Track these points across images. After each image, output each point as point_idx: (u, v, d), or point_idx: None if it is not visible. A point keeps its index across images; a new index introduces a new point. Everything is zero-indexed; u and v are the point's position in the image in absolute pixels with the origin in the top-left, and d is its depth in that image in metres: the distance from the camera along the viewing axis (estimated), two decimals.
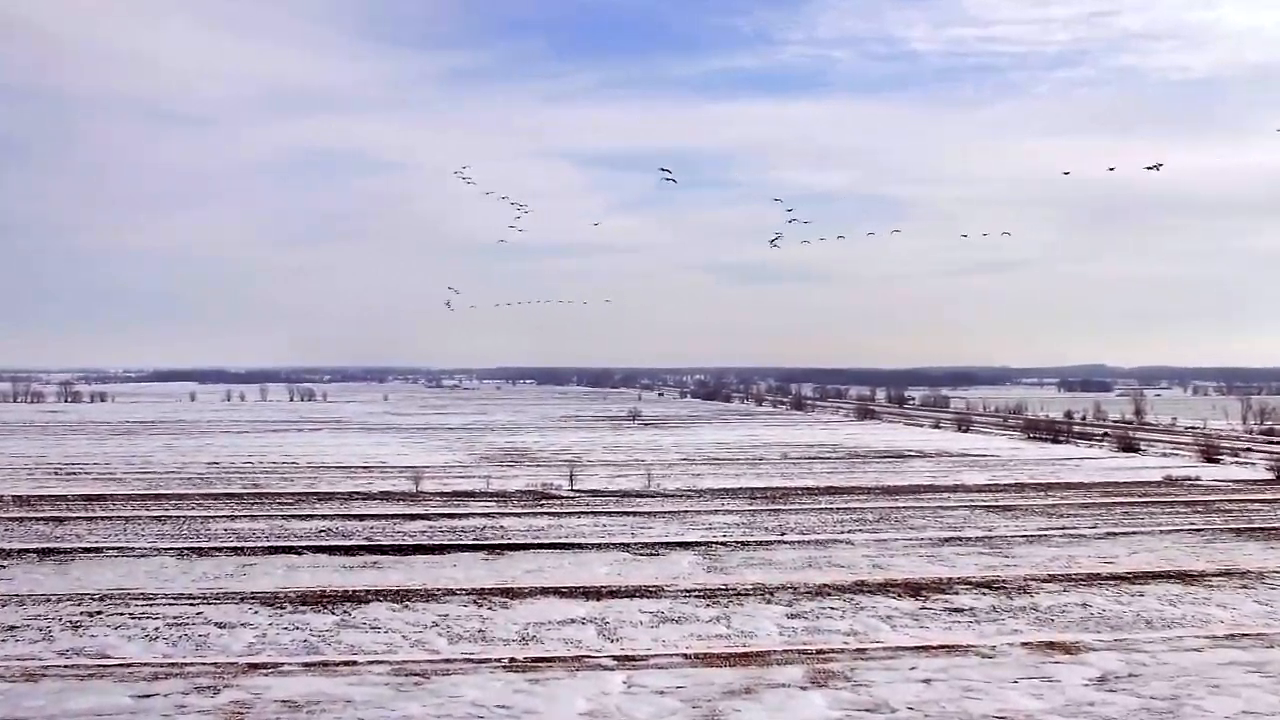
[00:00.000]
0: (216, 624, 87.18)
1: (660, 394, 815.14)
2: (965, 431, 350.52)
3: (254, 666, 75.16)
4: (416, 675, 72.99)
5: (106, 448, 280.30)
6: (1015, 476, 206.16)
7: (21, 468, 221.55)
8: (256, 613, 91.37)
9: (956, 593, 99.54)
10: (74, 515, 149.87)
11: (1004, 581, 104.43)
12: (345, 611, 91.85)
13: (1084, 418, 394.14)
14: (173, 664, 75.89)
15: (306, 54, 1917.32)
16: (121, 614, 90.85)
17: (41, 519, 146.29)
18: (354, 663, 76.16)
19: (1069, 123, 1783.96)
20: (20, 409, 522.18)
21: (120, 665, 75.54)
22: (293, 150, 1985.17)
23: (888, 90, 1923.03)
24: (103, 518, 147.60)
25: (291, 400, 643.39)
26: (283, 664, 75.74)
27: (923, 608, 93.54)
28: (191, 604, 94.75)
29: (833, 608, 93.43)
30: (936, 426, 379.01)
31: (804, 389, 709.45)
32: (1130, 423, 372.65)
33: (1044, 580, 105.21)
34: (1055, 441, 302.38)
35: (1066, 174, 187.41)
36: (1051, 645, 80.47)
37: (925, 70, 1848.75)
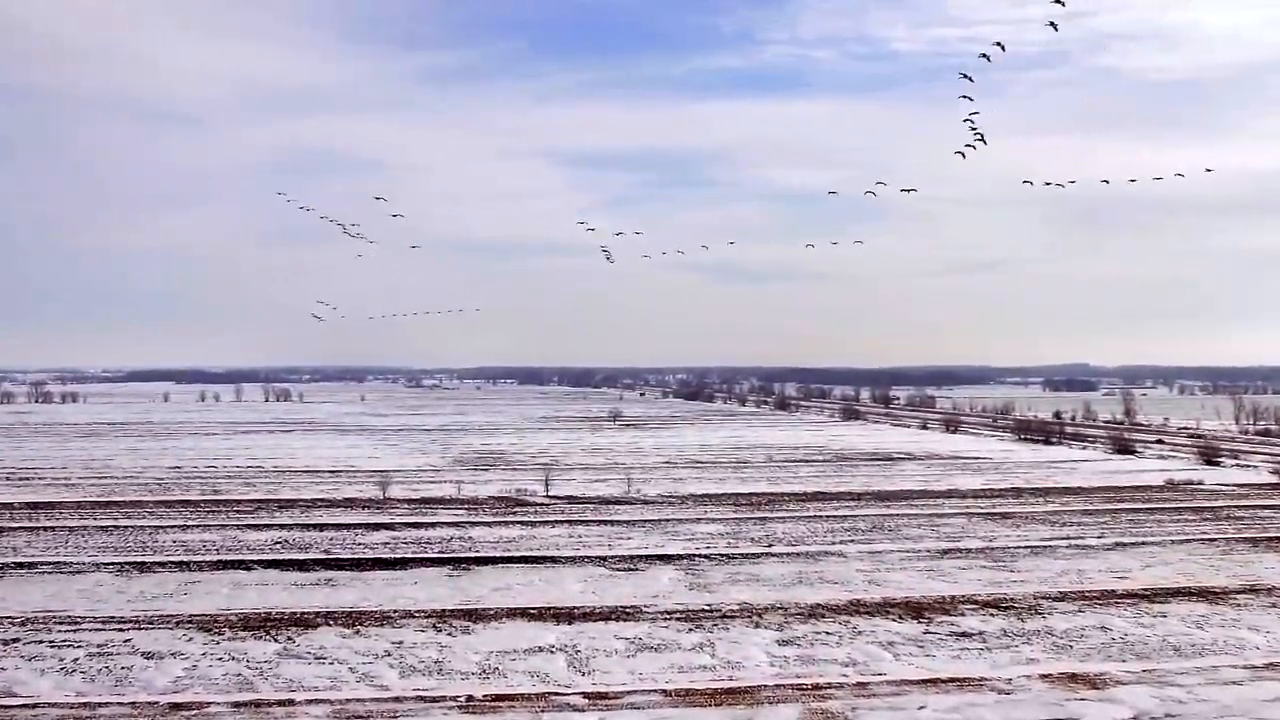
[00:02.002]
0: (144, 654, 78.27)
1: (642, 394, 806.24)
2: (954, 432, 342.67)
3: (176, 707, 66.37)
4: (359, 717, 64.22)
5: (68, 451, 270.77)
6: (1011, 480, 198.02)
7: None
8: (191, 640, 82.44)
9: (962, 613, 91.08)
10: (15, 525, 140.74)
11: (1012, 600, 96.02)
12: (289, 638, 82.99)
13: (1074, 418, 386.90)
14: (84, 704, 67.10)
15: (298, 56, 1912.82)
16: (41, 641, 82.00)
17: None
18: (290, 702, 67.34)
19: (1050, 123, 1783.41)
20: None
21: (24, 706, 66.79)
22: (285, 150, 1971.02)
23: (870, 90, 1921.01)
24: (46, 528, 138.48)
25: (266, 400, 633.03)
26: (209, 704, 66.92)
27: (926, 632, 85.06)
28: (121, 629, 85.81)
29: (828, 632, 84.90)
30: (924, 427, 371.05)
31: (787, 389, 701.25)
32: (1122, 423, 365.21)
33: (1055, 599, 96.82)
34: (1048, 443, 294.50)
35: (1028, 183, 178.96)
36: (1074, 678, 72.07)
37: (906, 70, 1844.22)
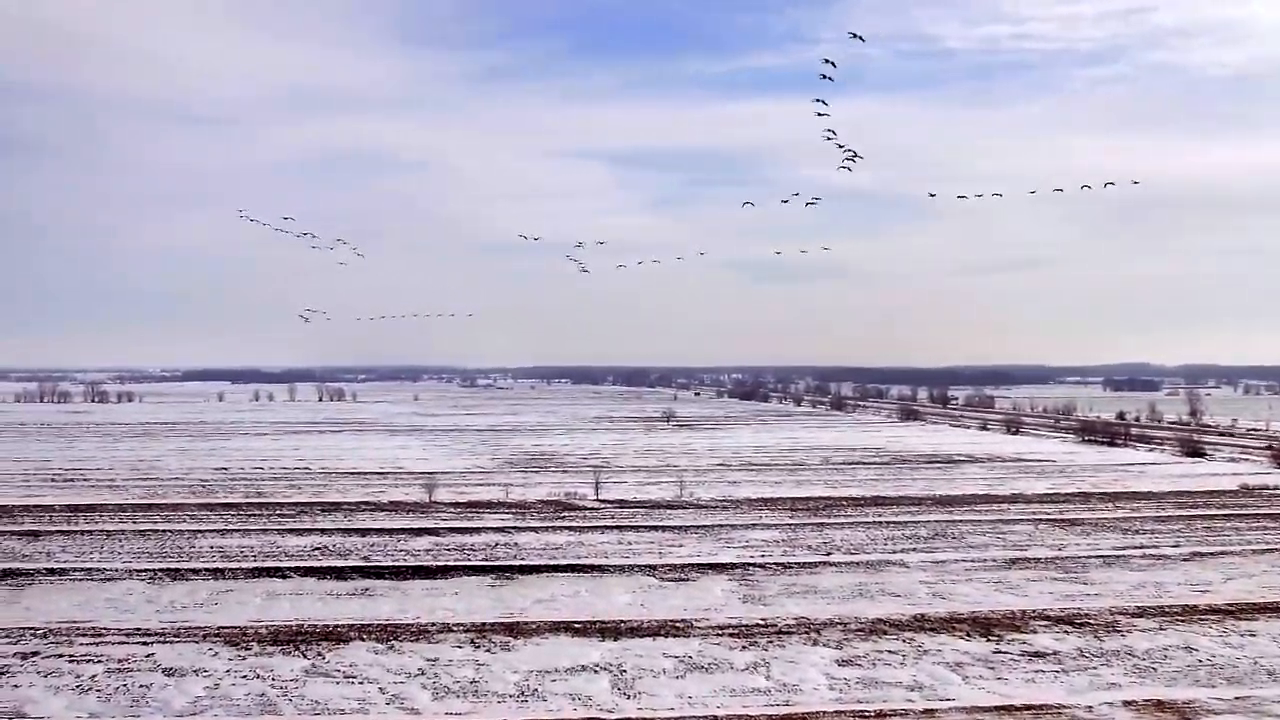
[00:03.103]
0: (165, 670, 74.03)
1: (697, 393, 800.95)
2: (1015, 433, 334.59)
3: None
4: None
5: (116, 452, 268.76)
6: (1077, 485, 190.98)
7: (19, 474, 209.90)
8: (216, 655, 78.15)
9: (1034, 630, 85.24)
10: (53, 529, 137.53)
11: (1087, 616, 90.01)
12: (319, 654, 78.50)
13: (1138, 418, 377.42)
14: None
15: (334, 54, 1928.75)
16: (60, 655, 77.97)
17: (16, 533, 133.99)
18: None
19: (1104, 120, 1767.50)
20: (44, 409, 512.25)
21: None
22: (327, 150, 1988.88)
23: (920, 88, 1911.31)
24: (83, 531, 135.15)
25: (320, 400, 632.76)
26: None
27: (996, 651, 79.31)
28: (145, 642, 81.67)
29: (890, 651, 79.32)
30: (984, 428, 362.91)
31: (843, 388, 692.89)
32: (1188, 424, 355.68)
33: (1133, 614, 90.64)
34: (1112, 444, 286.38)
35: (1059, 190, 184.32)
36: (1161, 706, 66.19)
37: (958, 68, 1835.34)
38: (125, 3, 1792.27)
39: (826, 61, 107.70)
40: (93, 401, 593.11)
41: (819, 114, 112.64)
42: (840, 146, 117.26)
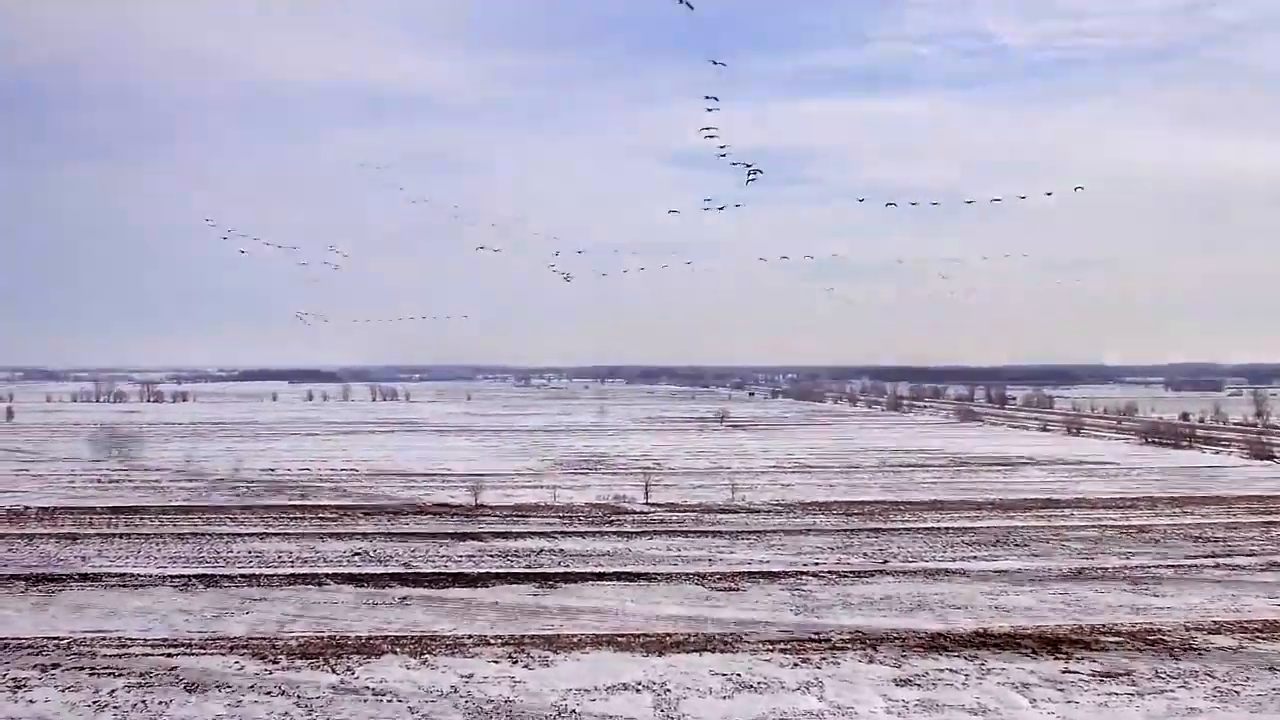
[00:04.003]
0: (186, 686, 70.68)
1: (752, 394, 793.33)
2: (1076, 435, 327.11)
3: None
4: None
5: (165, 452, 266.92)
6: (1144, 489, 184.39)
7: (66, 475, 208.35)
8: (242, 668, 74.78)
9: (1105, 648, 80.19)
10: (92, 532, 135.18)
11: (1161, 632, 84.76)
12: (349, 668, 74.91)
13: (1202, 419, 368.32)
14: None
15: (403, 59, 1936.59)
16: (81, 668, 74.94)
17: (55, 536, 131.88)
18: None
19: (1164, 117, 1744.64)
20: (99, 409, 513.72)
21: None
22: (389, 152, 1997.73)
23: (978, 86, 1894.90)
24: (122, 535, 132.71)
25: (373, 400, 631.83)
26: None
27: (1066, 671, 74.39)
28: (170, 654, 78.54)
29: (952, 670, 74.61)
30: (1044, 429, 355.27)
31: (899, 388, 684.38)
32: (1254, 425, 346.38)
33: (1210, 631, 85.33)
34: (1177, 446, 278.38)
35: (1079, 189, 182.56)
36: None
37: (1016, 65, 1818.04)
38: (196, 5, 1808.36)
39: (709, 97, 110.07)
40: (148, 401, 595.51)
41: (708, 136, 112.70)
42: (734, 164, 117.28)
